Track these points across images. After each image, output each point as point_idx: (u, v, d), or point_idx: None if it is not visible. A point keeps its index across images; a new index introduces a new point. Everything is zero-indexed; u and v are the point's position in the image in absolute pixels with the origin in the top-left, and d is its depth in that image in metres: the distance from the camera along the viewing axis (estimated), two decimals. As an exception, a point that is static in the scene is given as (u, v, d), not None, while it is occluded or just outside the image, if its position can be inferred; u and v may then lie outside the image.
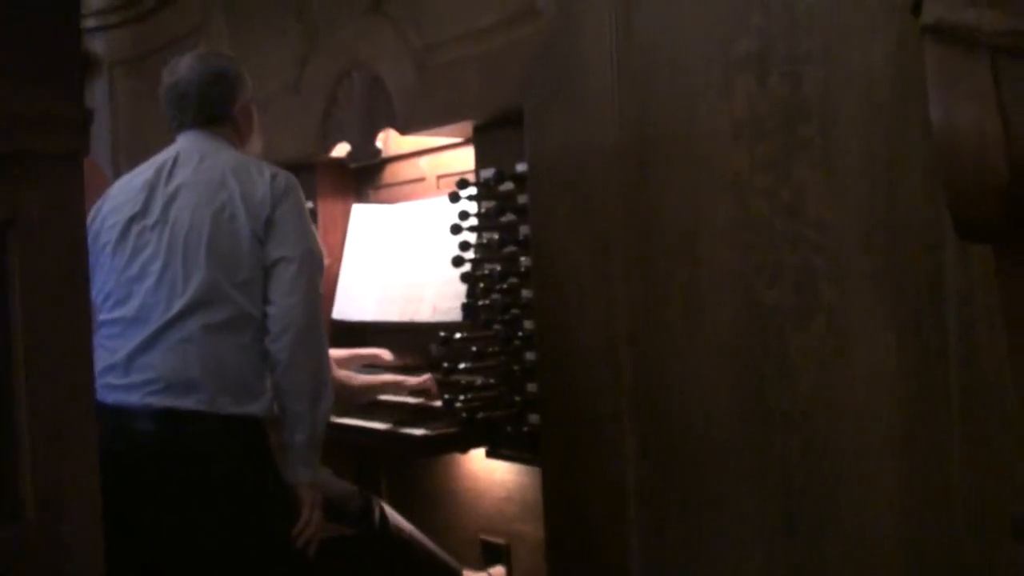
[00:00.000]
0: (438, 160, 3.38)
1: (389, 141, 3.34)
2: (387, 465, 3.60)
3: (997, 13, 1.12)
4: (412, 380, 3.16)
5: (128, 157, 4.22)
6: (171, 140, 2.64)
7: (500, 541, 3.22)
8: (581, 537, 2.52)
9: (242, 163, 2.52)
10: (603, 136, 2.35)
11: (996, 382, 1.61)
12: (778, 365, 2.02)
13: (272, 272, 2.42)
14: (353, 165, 3.39)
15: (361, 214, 3.57)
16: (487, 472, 3.27)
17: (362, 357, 3.29)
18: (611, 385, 2.38)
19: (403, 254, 3.35)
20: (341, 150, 3.38)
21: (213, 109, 2.58)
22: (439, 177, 3.37)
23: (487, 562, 3.24)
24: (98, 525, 1.63)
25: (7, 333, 1.55)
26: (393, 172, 3.57)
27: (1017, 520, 1.33)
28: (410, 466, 3.52)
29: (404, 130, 3.06)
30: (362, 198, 3.64)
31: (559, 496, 2.59)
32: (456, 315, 2.99)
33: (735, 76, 2.07)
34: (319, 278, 2.50)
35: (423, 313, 3.19)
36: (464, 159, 3.20)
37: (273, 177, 2.49)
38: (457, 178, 2.96)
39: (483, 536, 3.28)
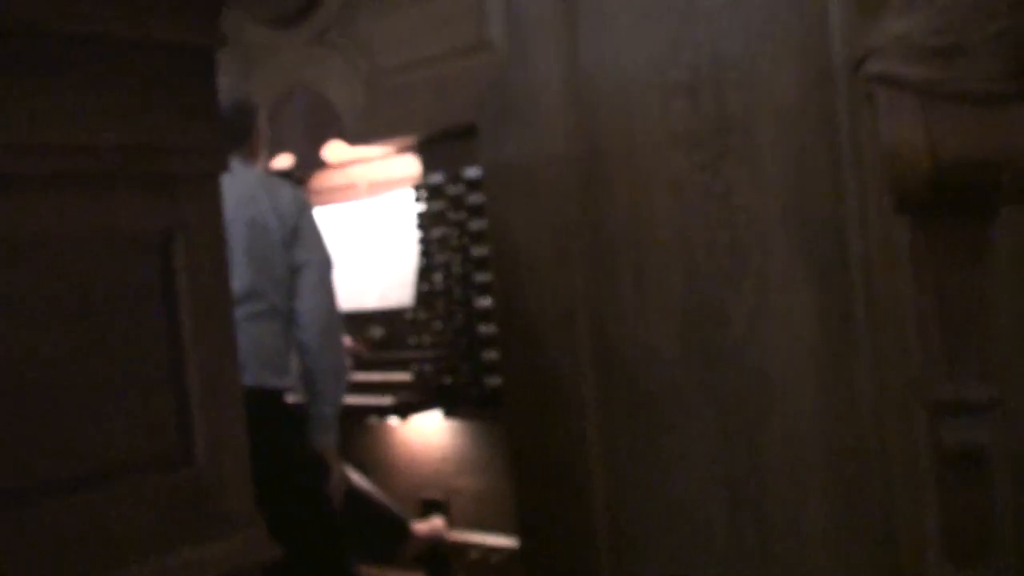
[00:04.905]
0: (369, 168, 3.80)
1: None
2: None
3: (921, 67, 1.77)
4: None
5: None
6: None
7: (438, 498, 3.62)
8: (547, 481, 2.93)
9: (266, 180, 2.95)
10: (554, 146, 2.83)
11: (892, 314, 2.28)
12: (715, 317, 2.61)
13: (299, 274, 2.88)
14: (298, 174, 3.80)
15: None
16: (422, 438, 3.65)
17: None
18: (570, 344, 2.84)
19: (345, 250, 3.77)
20: (283, 161, 3.75)
21: (237, 134, 2.99)
22: (371, 184, 3.81)
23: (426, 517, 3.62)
24: (247, 464, 2.01)
25: (178, 316, 1.95)
26: (323, 179, 3.98)
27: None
28: (346, 437, 3.92)
29: (353, 142, 3.46)
30: (292, 204, 4.01)
31: (525, 447, 3.00)
32: (404, 301, 3.47)
33: (670, 99, 2.64)
34: (332, 278, 2.96)
35: (370, 300, 3.65)
36: (395, 167, 3.66)
37: (294, 192, 2.93)
38: (390, 185, 3.42)
39: (422, 495, 3.67)
